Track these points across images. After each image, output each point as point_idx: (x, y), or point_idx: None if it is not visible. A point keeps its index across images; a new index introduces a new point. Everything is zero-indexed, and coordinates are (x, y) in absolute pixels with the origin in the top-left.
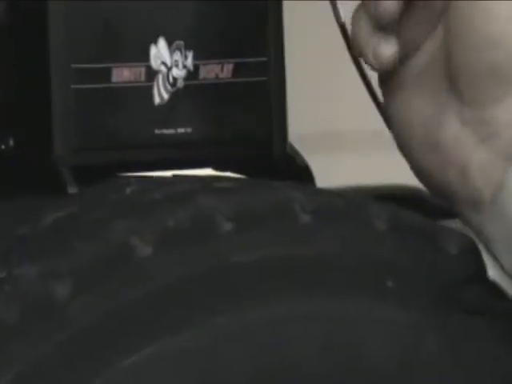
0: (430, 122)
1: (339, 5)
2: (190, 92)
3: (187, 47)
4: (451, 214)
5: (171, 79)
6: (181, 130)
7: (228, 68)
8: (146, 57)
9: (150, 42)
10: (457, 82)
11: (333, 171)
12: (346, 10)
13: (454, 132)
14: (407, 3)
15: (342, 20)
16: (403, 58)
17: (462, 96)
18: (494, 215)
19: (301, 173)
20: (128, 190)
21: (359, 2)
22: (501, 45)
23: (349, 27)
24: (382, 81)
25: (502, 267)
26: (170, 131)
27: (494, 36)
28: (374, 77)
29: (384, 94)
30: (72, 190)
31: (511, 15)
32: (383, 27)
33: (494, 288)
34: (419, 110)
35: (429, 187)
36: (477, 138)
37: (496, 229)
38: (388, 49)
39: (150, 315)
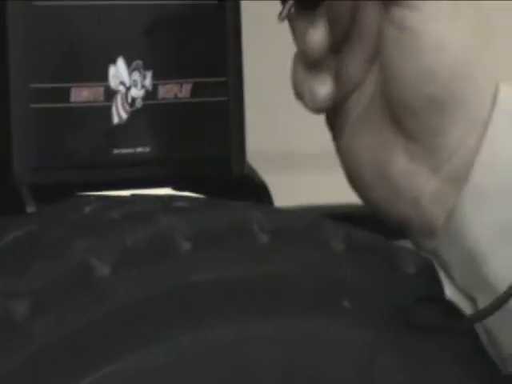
0: (378, 158)
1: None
2: (149, 112)
3: (146, 67)
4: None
5: (130, 99)
6: (139, 150)
7: (187, 88)
8: (104, 77)
9: (109, 62)
10: (399, 117)
11: (291, 190)
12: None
13: (404, 166)
14: (341, 39)
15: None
16: (345, 95)
17: (406, 131)
18: (448, 239)
19: (259, 192)
20: (87, 210)
21: None
22: (433, 77)
23: None
24: (329, 117)
25: (458, 288)
26: (129, 151)
27: (426, 69)
28: None
29: (331, 129)
30: (31, 209)
31: (440, 44)
32: (315, 66)
33: (450, 307)
34: (367, 147)
35: (381, 216)
36: (427, 170)
37: (451, 252)
38: (323, 89)
39: (109, 335)
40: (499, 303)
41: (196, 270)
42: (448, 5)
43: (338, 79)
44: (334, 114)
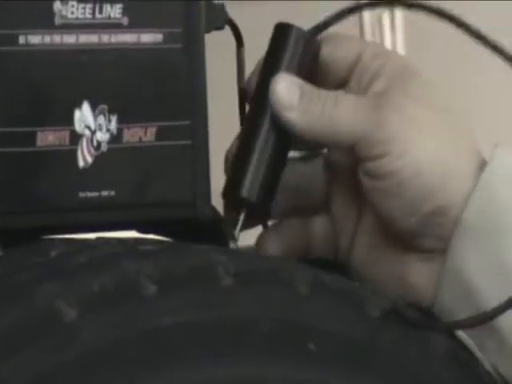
0: (395, 272)
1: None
2: (114, 155)
3: (111, 111)
4: None
5: (95, 143)
6: (105, 193)
7: (151, 131)
8: (70, 121)
9: (75, 106)
10: (405, 239)
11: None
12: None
13: (422, 271)
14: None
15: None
16: (350, 237)
17: (417, 246)
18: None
19: (224, 234)
20: (53, 253)
21: None
22: (422, 201)
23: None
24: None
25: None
26: (94, 194)
27: (412, 199)
28: None
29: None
30: None
31: (416, 171)
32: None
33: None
34: (382, 267)
35: None
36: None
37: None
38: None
39: (75, 379)
40: (507, 305)
41: (161, 313)
42: (409, 127)
43: (336, 231)
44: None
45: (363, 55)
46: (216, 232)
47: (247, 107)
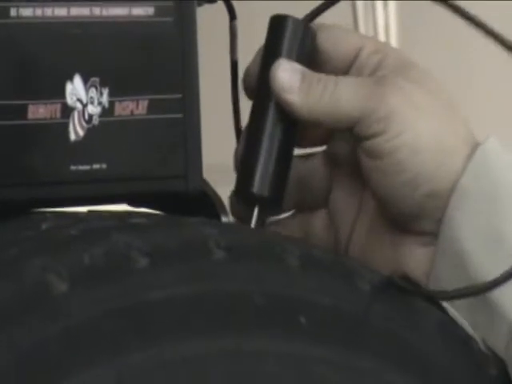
0: (394, 258)
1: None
2: (106, 128)
3: (102, 84)
4: None
5: (87, 116)
6: (96, 166)
7: (143, 104)
8: (61, 94)
9: (66, 79)
10: (406, 224)
11: None
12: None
13: (420, 256)
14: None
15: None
16: (350, 228)
17: (416, 229)
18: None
19: (215, 207)
20: (43, 226)
21: None
22: (420, 180)
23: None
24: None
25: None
26: (86, 167)
27: (411, 178)
28: None
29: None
30: None
31: (414, 150)
32: None
33: None
34: (382, 254)
35: None
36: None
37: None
38: None
39: (66, 351)
40: (502, 279)
41: (152, 286)
42: (408, 106)
43: (334, 221)
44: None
45: (363, 50)
46: (207, 205)
47: (249, 100)
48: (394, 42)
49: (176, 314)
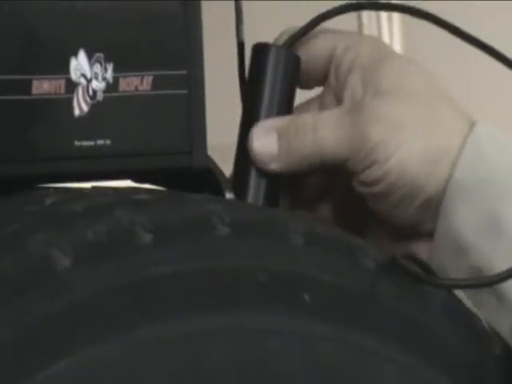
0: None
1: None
2: (110, 104)
3: (107, 59)
4: None
5: (91, 91)
6: (100, 142)
7: (147, 80)
8: (65, 69)
9: (70, 55)
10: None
11: None
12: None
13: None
14: None
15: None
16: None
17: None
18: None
19: (220, 184)
20: (47, 202)
21: None
22: (415, 195)
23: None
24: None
25: None
26: (90, 143)
27: (406, 194)
28: None
29: None
30: None
31: (402, 169)
32: None
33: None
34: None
35: None
36: None
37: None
38: None
39: (70, 327)
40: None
41: (156, 263)
42: (390, 130)
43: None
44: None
45: (336, 50)
46: (212, 181)
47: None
48: (397, 50)
49: (179, 291)
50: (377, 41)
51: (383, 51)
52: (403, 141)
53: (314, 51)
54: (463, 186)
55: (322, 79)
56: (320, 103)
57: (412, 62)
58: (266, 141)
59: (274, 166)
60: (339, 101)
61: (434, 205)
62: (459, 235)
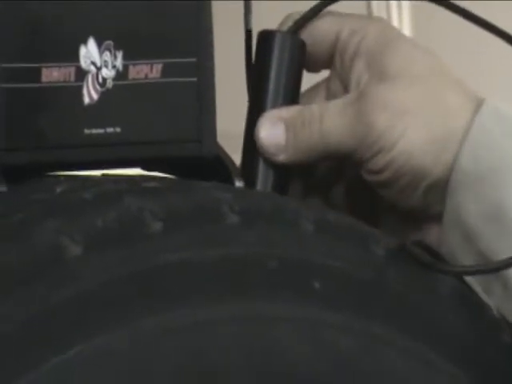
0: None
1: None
2: (120, 92)
3: (117, 47)
4: None
5: (101, 79)
6: (110, 130)
7: (157, 68)
8: (75, 57)
9: (80, 42)
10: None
11: None
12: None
13: None
14: None
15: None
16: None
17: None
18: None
19: (229, 172)
20: (57, 190)
21: None
22: (420, 179)
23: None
24: None
25: None
26: (100, 131)
27: (413, 181)
28: None
29: None
30: (1, 189)
31: (408, 156)
32: None
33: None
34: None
35: None
36: None
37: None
38: None
39: (78, 315)
40: None
41: (165, 251)
42: (395, 116)
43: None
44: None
45: (341, 34)
46: (221, 170)
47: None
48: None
49: (189, 279)
50: (384, 23)
51: (390, 34)
52: (408, 126)
53: (319, 35)
54: (467, 174)
55: (328, 63)
56: (327, 88)
57: (419, 45)
58: (273, 132)
59: (281, 158)
60: (345, 85)
61: (442, 188)
62: (466, 222)
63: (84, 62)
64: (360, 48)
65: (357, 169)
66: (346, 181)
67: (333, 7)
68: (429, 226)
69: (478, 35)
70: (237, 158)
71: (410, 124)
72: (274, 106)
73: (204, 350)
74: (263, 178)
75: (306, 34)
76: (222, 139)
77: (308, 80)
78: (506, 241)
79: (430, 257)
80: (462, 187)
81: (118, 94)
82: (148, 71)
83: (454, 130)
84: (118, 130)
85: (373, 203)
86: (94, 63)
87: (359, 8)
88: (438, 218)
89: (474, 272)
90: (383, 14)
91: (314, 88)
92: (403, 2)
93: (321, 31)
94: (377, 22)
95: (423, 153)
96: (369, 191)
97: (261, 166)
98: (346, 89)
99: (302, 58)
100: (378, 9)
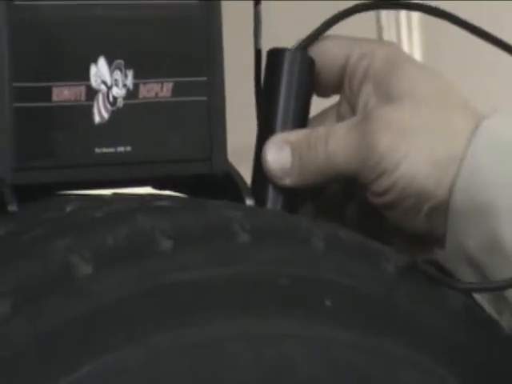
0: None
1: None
2: (130, 111)
3: (127, 66)
4: None
5: (111, 98)
6: (121, 149)
7: (168, 87)
8: (86, 76)
9: (90, 62)
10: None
11: None
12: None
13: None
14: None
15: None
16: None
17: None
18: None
19: (240, 190)
20: (68, 208)
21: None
22: (425, 200)
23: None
24: None
25: None
26: (110, 150)
27: (415, 202)
28: None
29: None
30: (12, 208)
31: (411, 179)
32: None
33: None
34: None
35: None
36: None
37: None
38: None
39: (89, 334)
40: None
41: (176, 269)
42: (398, 137)
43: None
44: None
45: (350, 58)
46: (232, 187)
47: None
48: (417, 54)
49: (199, 296)
50: (393, 47)
51: (398, 57)
52: (411, 147)
53: (328, 59)
54: (463, 204)
55: (337, 87)
56: (337, 112)
57: (426, 67)
58: (279, 155)
59: (287, 181)
60: (354, 109)
61: (444, 211)
62: (467, 251)
63: (94, 81)
64: (368, 71)
65: (363, 190)
66: (355, 201)
67: (343, 24)
68: (434, 248)
69: (488, 52)
70: (247, 172)
71: (413, 145)
72: (284, 126)
73: (214, 367)
74: (273, 198)
75: (316, 58)
76: (231, 155)
77: (318, 105)
78: (506, 269)
79: (439, 273)
80: (460, 216)
81: (129, 112)
82: (158, 90)
83: (454, 152)
84: (129, 148)
85: (380, 224)
86: (104, 82)
87: (369, 24)
88: (442, 240)
89: (483, 289)
90: (392, 29)
91: (324, 112)
92: (413, 17)
93: (330, 55)
94: (386, 46)
95: (426, 175)
96: (377, 212)
97: (270, 187)
98: (354, 112)
99: (311, 75)
100: (387, 24)
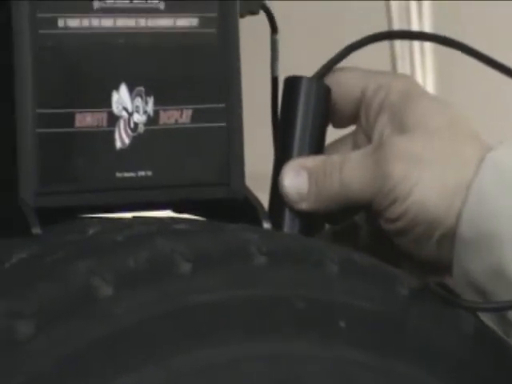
0: None
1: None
2: (151, 136)
3: (148, 93)
4: None
5: (132, 124)
6: (141, 174)
7: (187, 113)
8: (108, 103)
9: (112, 89)
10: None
11: None
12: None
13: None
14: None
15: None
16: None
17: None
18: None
19: (257, 214)
20: (90, 232)
21: None
22: (434, 229)
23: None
24: None
25: None
26: (131, 174)
27: (427, 229)
28: None
29: None
30: (36, 231)
31: (422, 206)
32: None
33: None
34: None
35: None
36: None
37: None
38: None
39: (109, 355)
40: None
41: (195, 291)
42: (410, 166)
43: None
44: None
45: (366, 91)
46: (249, 211)
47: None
48: (430, 80)
49: (217, 318)
50: (409, 80)
51: (413, 90)
52: (423, 176)
53: (345, 91)
54: (468, 237)
55: (353, 118)
56: (353, 141)
57: (438, 99)
58: (296, 180)
59: (303, 206)
60: (369, 139)
61: (452, 238)
62: (472, 278)
63: (116, 108)
64: (384, 103)
65: (376, 217)
66: (368, 227)
67: (357, 52)
68: (444, 275)
69: (501, 81)
70: (264, 196)
71: (424, 174)
72: (300, 152)
73: None
74: (290, 222)
75: (332, 86)
76: (249, 180)
77: (334, 133)
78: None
79: (451, 294)
80: (466, 244)
81: (149, 138)
82: (178, 116)
83: (463, 181)
84: (149, 173)
85: (392, 251)
86: (125, 109)
87: (383, 50)
88: (450, 266)
89: (489, 309)
90: (406, 58)
91: (341, 140)
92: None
93: (347, 87)
94: (401, 78)
95: (436, 203)
96: (388, 239)
97: (287, 211)
98: (370, 142)
99: (328, 103)
100: (401, 53)
